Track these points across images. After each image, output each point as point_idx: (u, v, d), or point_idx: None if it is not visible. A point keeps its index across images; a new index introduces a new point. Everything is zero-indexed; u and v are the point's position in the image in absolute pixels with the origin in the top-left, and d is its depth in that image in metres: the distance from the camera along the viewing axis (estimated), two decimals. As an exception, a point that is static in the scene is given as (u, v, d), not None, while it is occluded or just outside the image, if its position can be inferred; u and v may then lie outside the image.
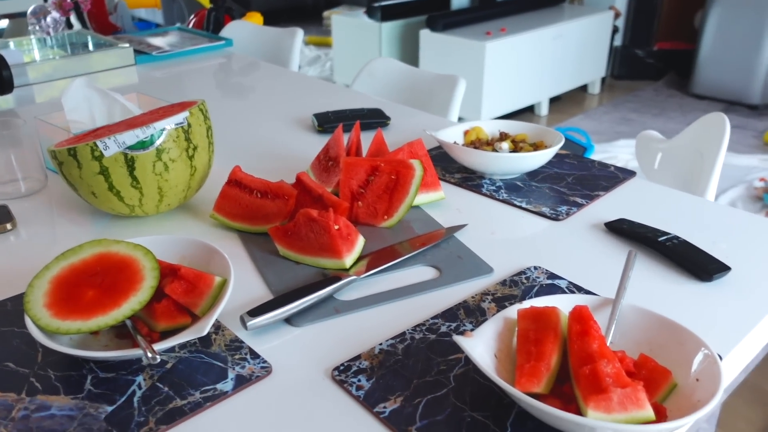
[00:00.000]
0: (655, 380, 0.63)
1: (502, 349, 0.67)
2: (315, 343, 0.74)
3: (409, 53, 4.29)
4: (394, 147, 1.27)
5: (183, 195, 1.00)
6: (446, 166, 1.19)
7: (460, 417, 0.63)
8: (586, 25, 4.19)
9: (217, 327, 0.76)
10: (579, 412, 0.58)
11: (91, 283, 0.71)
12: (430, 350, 0.72)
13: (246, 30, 2.36)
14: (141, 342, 0.66)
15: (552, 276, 0.86)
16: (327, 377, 0.69)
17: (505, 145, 1.14)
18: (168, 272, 0.74)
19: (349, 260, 0.87)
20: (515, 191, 1.09)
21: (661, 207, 1.05)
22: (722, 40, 4.19)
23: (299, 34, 2.18)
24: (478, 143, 1.18)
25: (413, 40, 4.24)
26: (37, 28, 2.00)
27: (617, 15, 4.54)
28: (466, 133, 1.21)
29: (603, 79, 4.68)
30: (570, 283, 0.85)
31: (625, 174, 1.15)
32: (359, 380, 0.68)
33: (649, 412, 0.57)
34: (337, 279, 0.82)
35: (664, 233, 0.92)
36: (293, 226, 0.89)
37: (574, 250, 0.93)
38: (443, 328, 0.76)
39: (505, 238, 0.96)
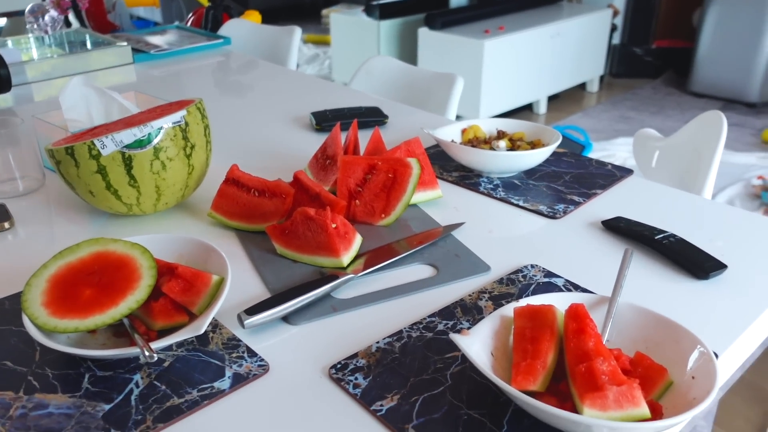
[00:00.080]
0: (651, 378, 0.63)
1: (499, 347, 0.67)
2: (312, 341, 0.74)
3: (408, 51, 4.29)
4: (391, 145, 1.27)
5: (180, 194, 1.00)
6: (444, 164, 1.19)
7: (457, 415, 0.63)
8: (584, 24, 4.19)
9: (215, 325, 0.76)
10: (575, 409, 0.58)
11: (88, 281, 0.71)
12: (427, 348, 0.72)
13: (244, 28, 2.36)
14: (138, 340, 0.66)
15: (549, 274, 0.86)
16: (324, 375, 0.69)
17: (503, 143, 1.15)
18: (165, 271, 0.74)
19: (346, 258, 0.87)
20: (513, 189, 1.09)
21: (658, 205, 1.05)
22: (720, 38, 4.19)
23: (297, 32, 2.17)
24: (476, 141, 1.18)
25: (411, 39, 4.24)
26: (35, 26, 2.00)
27: (616, 13, 4.54)
28: (463, 131, 1.21)
29: (601, 78, 4.69)
30: (567, 281, 0.85)
31: (623, 172, 1.15)
32: (356, 378, 0.68)
33: (644, 410, 0.57)
34: (335, 277, 0.82)
35: (661, 231, 0.93)
36: (290, 224, 0.89)
37: (571, 248, 0.93)
38: (440, 327, 0.76)
39: (502, 236, 0.97)
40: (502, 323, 0.69)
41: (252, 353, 0.72)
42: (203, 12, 2.94)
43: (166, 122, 0.93)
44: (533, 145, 1.16)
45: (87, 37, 2.06)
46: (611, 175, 1.14)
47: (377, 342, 0.73)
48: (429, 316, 0.78)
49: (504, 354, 0.67)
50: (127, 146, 0.91)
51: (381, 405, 0.64)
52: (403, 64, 1.87)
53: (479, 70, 3.63)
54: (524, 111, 4.21)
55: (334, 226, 0.86)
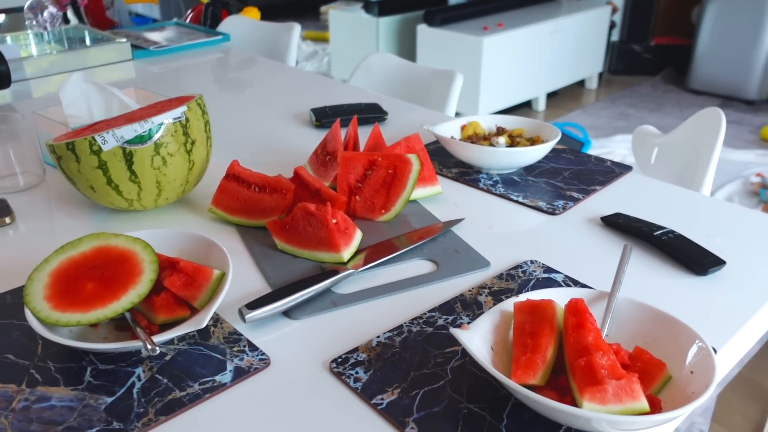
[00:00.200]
0: (650, 372, 0.63)
1: (499, 341, 0.68)
2: (313, 335, 0.75)
3: (407, 48, 4.30)
4: (391, 142, 1.27)
5: (181, 189, 1.00)
6: (443, 160, 1.19)
7: (457, 409, 0.64)
8: (583, 21, 4.19)
9: (216, 320, 0.76)
10: (574, 403, 0.58)
11: (90, 276, 0.71)
12: (427, 343, 0.73)
13: (243, 25, 2.36)
14: (141, 334, 0.66)
15: (548, 270, 0.87)
16: (325, 369, 0.70)
17: (502, 139, 1.15)
18: (167, 265, 0.74)
19: (346, 254, 0.87)
20: (512, 186, 1.09)
21: (657, 201, 1.05)
22: (719, 35, 4.20)
23: (296, 29, 2.17)
24: (475, 138, 1.18)
25: (410, 35, 4.24)
26: (34, 23, 2.00)
27: (614, 10, 4.54)
28: (463, 127, 1.21)
29: (600, 75, 4.69)
30: (566, 276, 0.85)
31: (622, 169, 1.15)
32: (357, 372, 0.68)
33: (643, 404, 0.57)
34: (335, 272, 0.82)
35: (660, 227, 0.93)
36: (291, 220, 0.89)
37: (570, 244, 0.94)
38: (440, 321, 0.76)
39: (501, 232, 0.97)
40: (502, 318, 0.69)
41: (253, 347, 0.72)
42: (202, 8, 2.93)
43: (167, 118, 0.93)
44: (532, 141, 1.17)
45: (86, 33, 2.06)
46: (610, 171, 1.14)
47: (378, 336, 0.74)
48: (429, 311, 0.78)
49: (504, 348, 0.67)
50: (128, 142, 0.91)
51: (382, 399, 0.65)
52: (403, 60, 1.87)
53: (478, 67, 3.64)
54: (523, 108, 4.22)
55: (334, 221, 0.87)
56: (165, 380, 0.67)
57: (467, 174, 1.14)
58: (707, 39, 4.25)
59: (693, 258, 0.86)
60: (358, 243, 0.90)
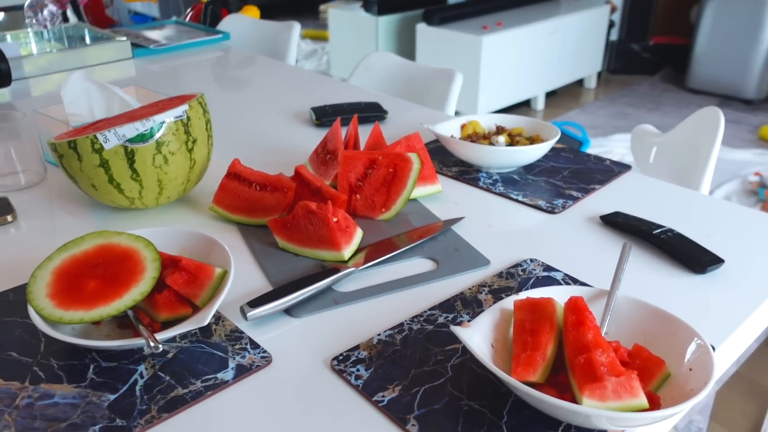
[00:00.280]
0: (649, 369, 0.64)
1: (499, 339, 0.68)
2: (314, 333, 0.75)
3: (406, 47, 4.30)
4: (391, 140, 1.28)
5: (182, 188, 1.01)
6: (443, 159, 1.20)
7: (458, 406, 0.64)
8: (582, 20, 4.20)
9: (218, 318, 0.77)
10: (574, 400, 0.59)
11: (93, 273, 0.71)
12: (428, 341, 0.73)
13: (243, 23, 2.36)
14: (143, 331, 0.67)
15: (548, 268, 0.87)
16: (326, 367, 0.70)
17: (502, 138, 1.15)
18: (169, 263, 0.75)
19: (347, 252, 0.88)
20: (512, 184, 1.10)
21: (656, 200, 1.06)
22: (718, 34, 4.20)
23: (296, 27, 2.18)
24: (475, 137, 1.19)
25: (410, 34, 4.24)
26: (34, 21, 2.00)
27: (613, 9, 4.55)
28: (463, 126, 1.22)
29: (599, 74, 4.69)
30: (566, 275, 0.86)
31: (621, 168, 1.16)
32: (358, 370, 0.69)
33: (642, 400, 0.58)
34: (336, 271, 0.82)
35: (659, 226, 0.93)
36: (292, 218, 0.90)
37: (569, 242, 0.94)
38: (441, 319, 0.77)
39: (501, 230, 0.97)
40: (502, 316, 0.70)
41: (255, 345, 0.72)
42: (202, 7, 2.93)
43: (168, 116, 0.94)
44: (532, 140, 1.17)
45: (86, 31, 2.06)
46: (609, 170, 1.15)
47: (378, 334, 0.74)
48: (429, 309, 0.79)
49: (504, 346, 0.68)
50: (130, 140, 0.91)
51: (383, 396, 0.65)
52: (402, 59, 1.87)
53: (477, 66, 3.64)
54: (522, 107, 4.22)
55: (335, 220, 0.87)
56: (167, 378, 0.67)
57: (467, 173, 1.15)
58: (706, 38, 4.26)
59: (691, 256, 0.87)
60: (358, 241, 0.91)
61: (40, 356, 0.70)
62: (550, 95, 4.41)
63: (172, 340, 0.73)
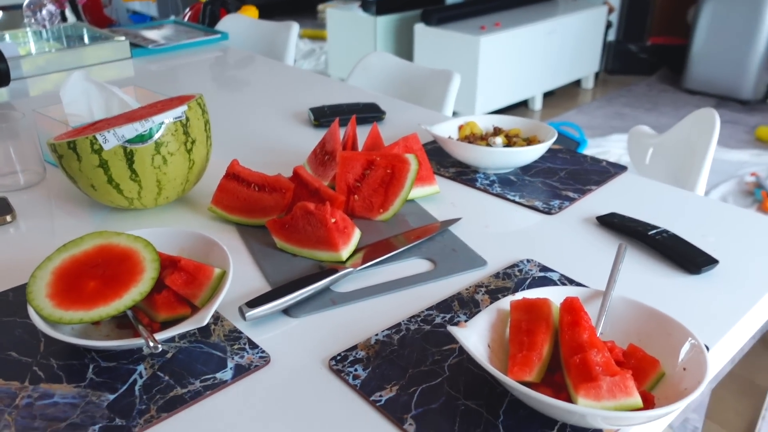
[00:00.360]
0: (644, 369, 0.64)
1: (495, 339, 0.69)
2: (312, 333, 0.76)
3: (404, 47, 4.30)
4: (389, 141, 1.28)
5: (181, 188, 1.01)
6: (441, 160, 1.20)
7: (454, 405, 0.65)
8: (579, 20, 4.20)
9: (216, 318, 0.77)
10: (570, 399, 0.60)
11: (92, 274, 0.72)
12: (425, 341, 0.74)
13: (242, 23, 2.37)
14: (143, 331, 0.67)
15: (544, 269, 0.88)
16: (324, 367, 0.71)
17: (499, 139, 1.16)
18: (168, 264, 0.75)
19: (345, 253, 0.88)
20: (509, 185, 1.11)
21: (652, 201, 1.07)
22: (715, 35, 4.21)
23: (295, 28, 2.18)
24: (473, 138, 1.19)
25: (408, 34, 4.25)
26: (33, 20, 2.00)
27: (611, 10, 4.56)
28: (460, 127, 1.22)
29: (596, 74, 4.70)
30: (562, 275, 0.86)
31: (617, 169, 1.16)
32: (356, 370, 0.69)
33: (637, 400, 0.58)
34: (334, 271, 0.83)
35: (654, 227, 0.94)
36: (290, 219, 0.90)
37: (566, 243, 0.95)
38: (438, 319, 0.77)
39: (498, 231, 0.98)
40: (499, 316, 0.70)
41: (253, 345, 0.73)
42: (200, 7, 2.94)
43: (168, 117, 0.94)
44: (529, 141, 1.18)
45: (84, 31, 2.06)
46: (606, 171, 1.15)
47: (376, 334, 0.75)
48: (427, 310, 0.79)
49: (500, 346, 0.68)
50: (129, 141, 0.92)
51: (380, 395, 0.66)
52: (400, 60, 1.88)
53: (475, 67, 3.64)
54: (519, 107, 4.23)
55: (333, 220, 0.88)
56: (166, 377, 0.68)
57: (464, 174, 1.15)
58: (703, 39, 4.27)
59: (687, 257, 0.88)
60: (356, 242, 0.91)
61: (39, 356, 0.71)
62: (548, 95, 4.42)
63: (171, 340, 0.73)
